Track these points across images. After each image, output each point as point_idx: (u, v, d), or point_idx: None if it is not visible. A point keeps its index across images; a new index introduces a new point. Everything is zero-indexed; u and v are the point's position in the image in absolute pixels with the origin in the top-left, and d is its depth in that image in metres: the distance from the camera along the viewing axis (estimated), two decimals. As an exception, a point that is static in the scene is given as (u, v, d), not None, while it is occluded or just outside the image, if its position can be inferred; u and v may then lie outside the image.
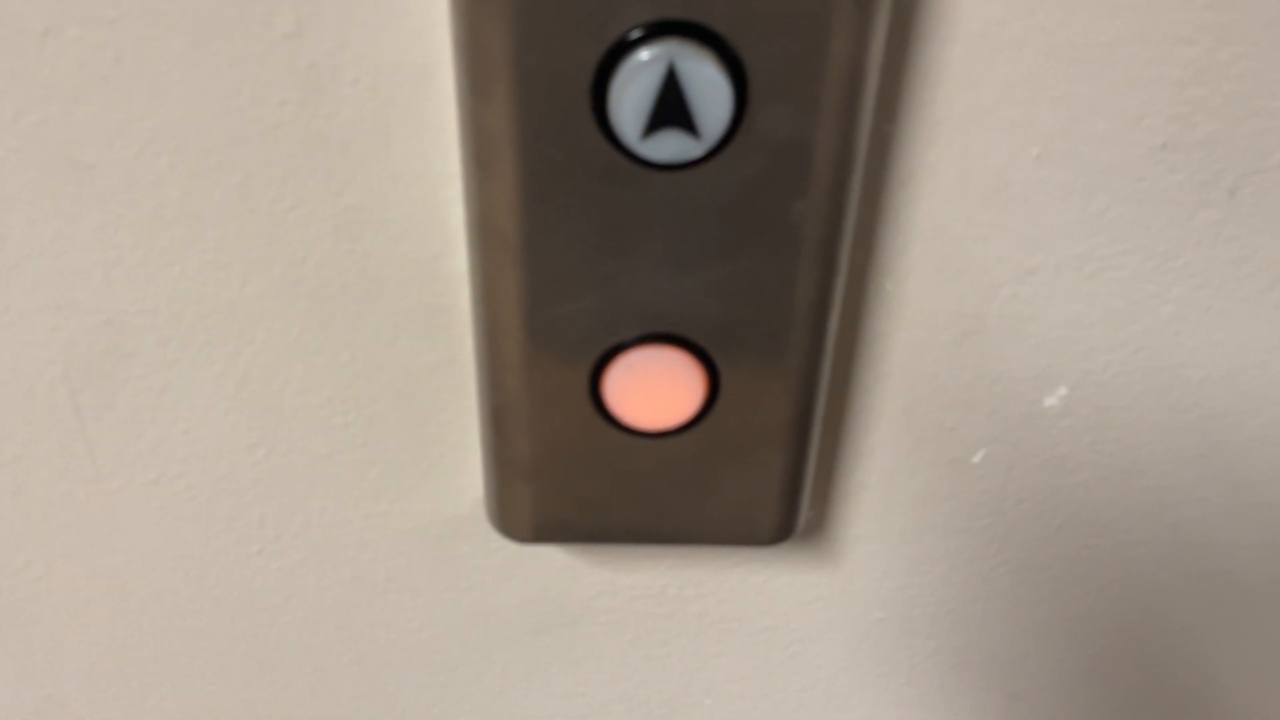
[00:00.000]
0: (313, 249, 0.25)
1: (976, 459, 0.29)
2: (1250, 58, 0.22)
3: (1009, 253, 0.25)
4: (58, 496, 0.29)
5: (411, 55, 0.22)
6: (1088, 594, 0.32)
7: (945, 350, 0.27)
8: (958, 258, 0.25)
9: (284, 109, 0.22)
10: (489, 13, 0.20)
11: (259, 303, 0.25)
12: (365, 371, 0.27)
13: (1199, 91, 0.23)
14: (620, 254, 0.22)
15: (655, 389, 0.24)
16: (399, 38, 0.22)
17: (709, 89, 0.20)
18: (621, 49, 0.20)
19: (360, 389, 0.27)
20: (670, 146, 0.21)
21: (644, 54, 0.20)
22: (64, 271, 0.25)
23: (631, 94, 0.20)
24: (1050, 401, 0.27)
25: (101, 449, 0.28)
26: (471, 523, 0.30)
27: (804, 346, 0.24)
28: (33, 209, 0.24)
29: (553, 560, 0.31)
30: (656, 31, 0.20)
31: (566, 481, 0.26)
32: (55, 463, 0.28)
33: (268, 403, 0.27)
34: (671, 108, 0.20)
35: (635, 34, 0.20)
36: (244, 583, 0.31)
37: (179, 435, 0.28)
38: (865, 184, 0.24)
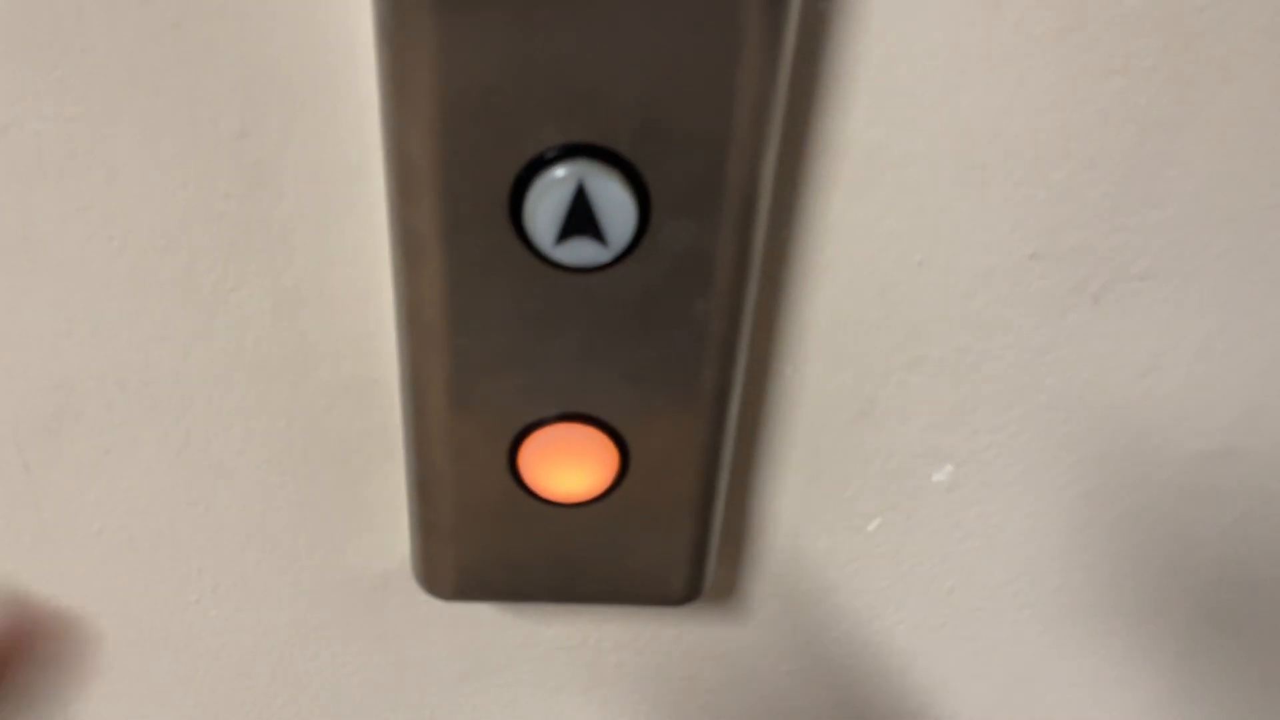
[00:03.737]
0: (252, 324, 0.26)
1: (872, 527, 0.31)
2: (1110, 181, 0.25)
3: (898, 344, 0.27)
4: (3, 545, 0.30)
5: (347, 155, 0.24)
6: (978, 653, 0.34)
7: (843, 429, 0.29)
8: (852, 347, 0.27)
9: (229, 200, 0.24)
10: (416, 127, 0.22)
11: (201, 372, 0.27)
12: (301, 436, 0.28)
13: (1065, 209, 0.25)
14: (537, 343, 0.24)
15: (570, 463, 0.26)
16: (336, 139, 0.24)
17: (615, 204, 0.22)
18: (537, 165, 0.22)
19: (296, 452, 0.29)
20: (580, 252, 0.23)
21: (558, 171, 0.22)
22: (16, 338, 0.26)
23: (546, 205, 0.22)
24: (939, 477, 0.30)
25: (48, 501, 0.29)
26: (400, 576, 0.31)
27: (709, 426, 0.26)
28: (-12, 282, 0.25)
29: (478, 612, 0.32)
30: (568, 152, 0.22)
31: (487, 545, 0.28)
32: (3, 512, 0.29)
33: (208, 463, 0.29)
34: (581, 219, 0.22)
35: (550, 153, 0.22)
36: (182, 629, 0.32)
37: (123, 491, 0.29)
38: (764, 282, 0.26)
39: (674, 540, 0.28)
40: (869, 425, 0.29)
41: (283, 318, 0.26)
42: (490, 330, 0.24)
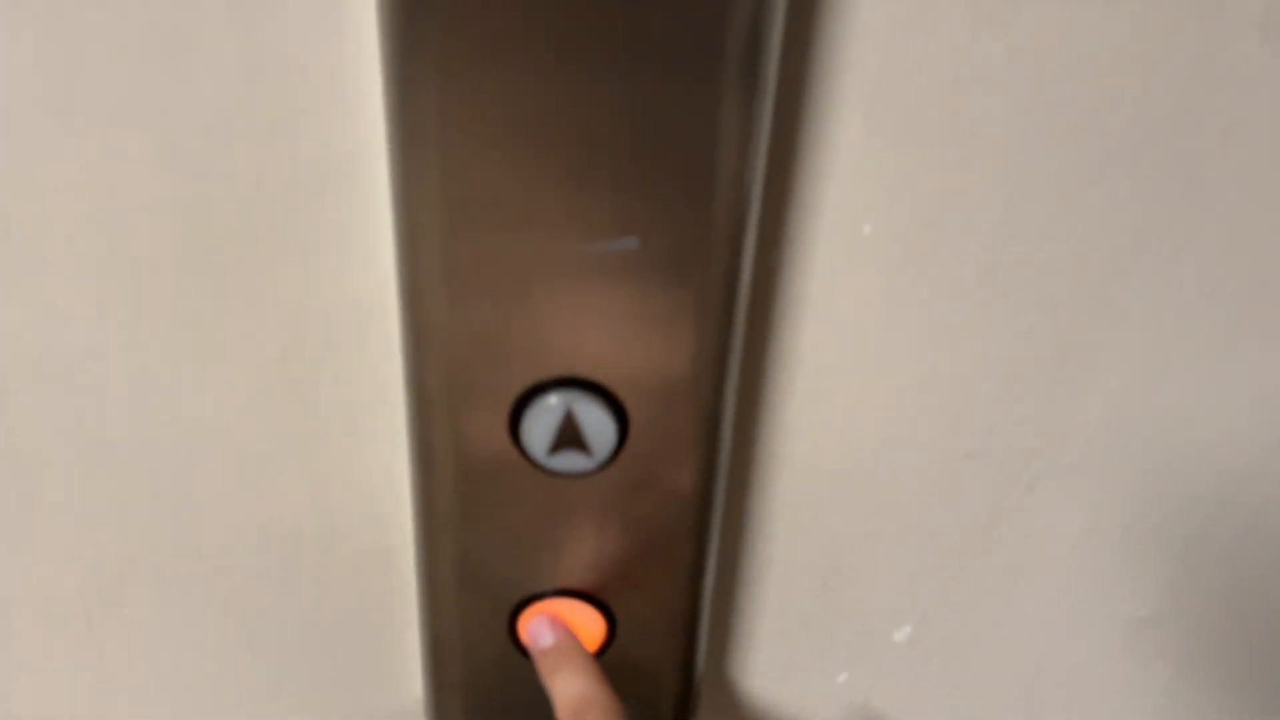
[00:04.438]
0: (290, 506, 0.30)
1: (841, 679, 0.34)
2: (1034, 394, 0.28)
3: (853, 523, 0.31)
4: (67, 691, 0.34)
5: (374, 376, 0.28)
6: (947, 788, 0.37)
7: (809, 594, 0.32)
8: (811, 525, 0.31)
9: (273, 408, 0.28)
10: (431, 361, 0.26)
11: (244, 545, 0.31)
12: (328, 597, 0.32)
13: (994, 416, 0.29)
14: (533, 532, 0.28)
15: (563, 631, 0.30)
16: (365, 363, 0.28)
17: (599, 425, 0.26)
18: (533, 394, 0.26)
19: (323, 610, 0.32)
20: (569, 462, 0.26)
21: (551, 399, 0.26)
22: (87, 519, 0.30)
23: (540, 426, 0.26)
24: (899, 636, 0.33)
25: (108, 652, 0.33)
26: (414, 717, 0.35)
27: (687, 597, 0.30)
28: (66, 477, 0.29)
29: (485, 750, 0.36)
30: (559, 383, 0.26)
31: (492, 699, 0.31)
32: (68, 662, 0.33)
33: (248, 620, 0.32)
34: (570, 436, 0.26)
35: (543, 384, 0.26)
36: (219, 761, 0.36)
37: (174, 643, 0.33)
38: (732, 472, 0.30)
39: (659, 695, 0.32)
40: (833, 591, 0.32)
41: (317, 500, 0.30)
42: (493, 522, 0.28)
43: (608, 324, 0.25)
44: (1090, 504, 0.30)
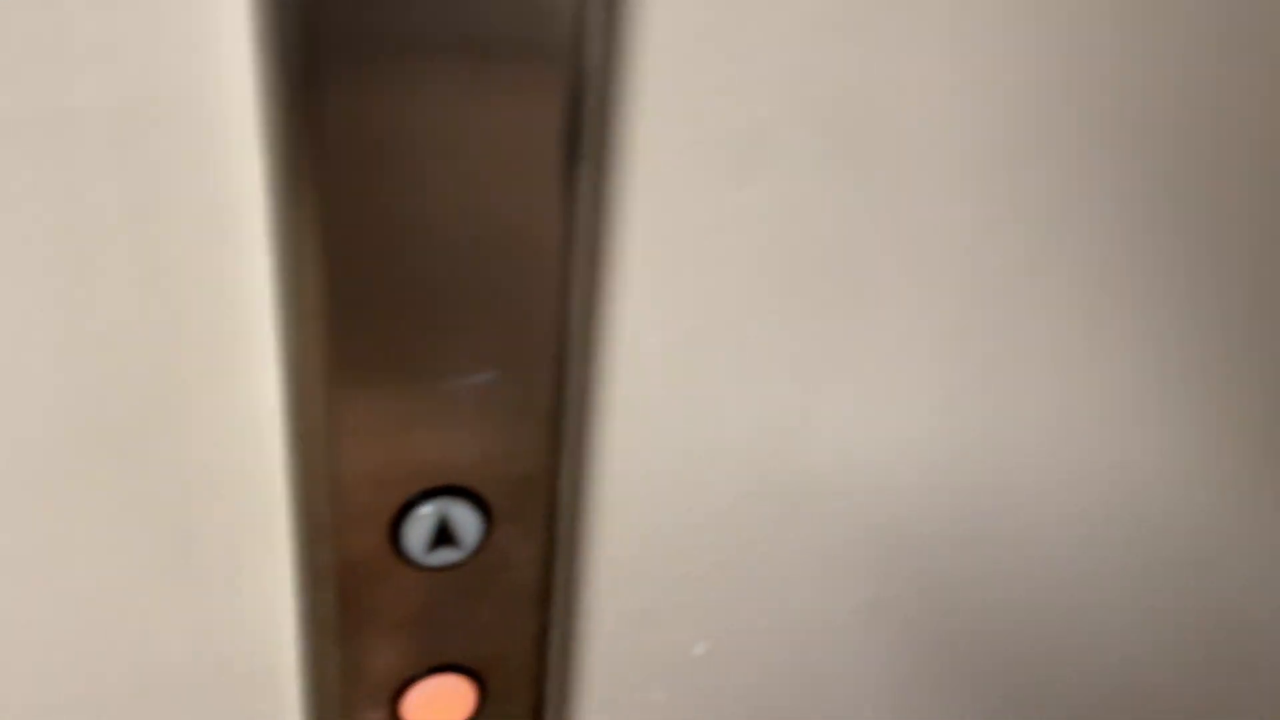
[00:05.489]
0: (173, 659, 0.33)
1: (658, 698, 0.41)
2: (789, 440, 0.37)
3: (661, 568, 0.38)
4: None
5: (257, 519, 0.32)
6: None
7: (629, 634, 0.39)
8: (628, 577, 0.38)
9: (156, 578, 0.31)
10: (316, 492, 0.30)
11: (123, 709, 0.33)
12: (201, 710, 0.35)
13: (762, 460, 0.37)
14: (410, 622, 0.33)
15: (441, 704, 0.35)
16: (249, 510, 0.31)
17: (467, 523, 0.31)
18: (411, 503, 0.31)
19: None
20: (444, 557, 0.32)
21: (426, 508, 0.31)
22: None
23: (418, 531, 0.31)
24: (698, 651, 0.41)
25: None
26: (293, 820, 0.38)
27: (539, 655, 0.36)
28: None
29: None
30: (432, 493, 0.31)
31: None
32: None
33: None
34: (444, 535, 0.31)
35: (417, 497, 0.31)
36: None
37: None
38: (570, 545, 0.36)
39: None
40: (647, 627, 0.39)
41: (200, 646, 0.33)
42: (375, 620, 0.33)
43: (471, 439, 0.31)
44: (835, 513, 0.40)
